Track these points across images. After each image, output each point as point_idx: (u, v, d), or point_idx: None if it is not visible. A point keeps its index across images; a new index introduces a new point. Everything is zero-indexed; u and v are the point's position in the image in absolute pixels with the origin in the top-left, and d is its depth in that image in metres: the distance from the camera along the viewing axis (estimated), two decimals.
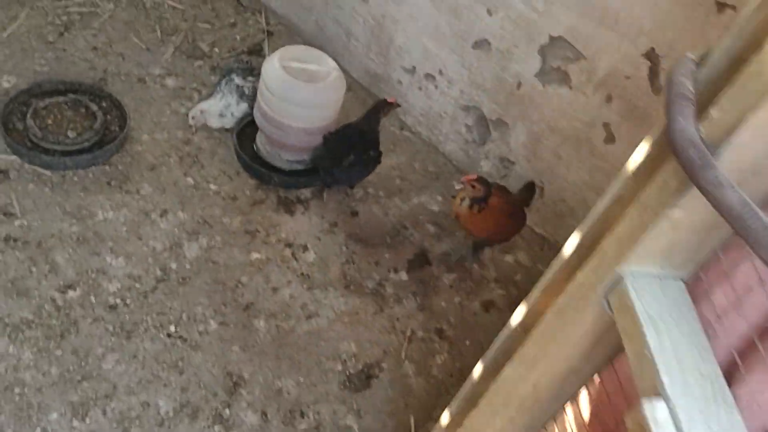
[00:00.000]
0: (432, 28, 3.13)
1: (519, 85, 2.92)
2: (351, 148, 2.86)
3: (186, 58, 3.49)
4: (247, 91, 3.20)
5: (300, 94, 2.77)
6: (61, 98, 2.95)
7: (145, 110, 3.15)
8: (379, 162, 2.99)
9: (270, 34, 3.79)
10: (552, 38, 2.71)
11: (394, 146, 3.39)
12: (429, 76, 3.27)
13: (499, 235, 2.78)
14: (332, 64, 2.88)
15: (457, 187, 2.65)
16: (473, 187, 2.56)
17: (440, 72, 3.20)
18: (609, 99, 2.66)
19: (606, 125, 2.71)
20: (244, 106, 3.18)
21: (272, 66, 2.79)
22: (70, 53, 3.29)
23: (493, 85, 3.02)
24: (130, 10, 3.63)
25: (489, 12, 2.87)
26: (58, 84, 3.03)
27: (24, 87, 3.02)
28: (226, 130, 3.18)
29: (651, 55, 2.46)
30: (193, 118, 3.11)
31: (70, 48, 3.31)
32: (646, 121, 2.57)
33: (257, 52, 3.67)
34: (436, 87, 3.26)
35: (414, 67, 3.31)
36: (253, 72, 3.33)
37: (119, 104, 3.04)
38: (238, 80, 3.20)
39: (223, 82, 3.20)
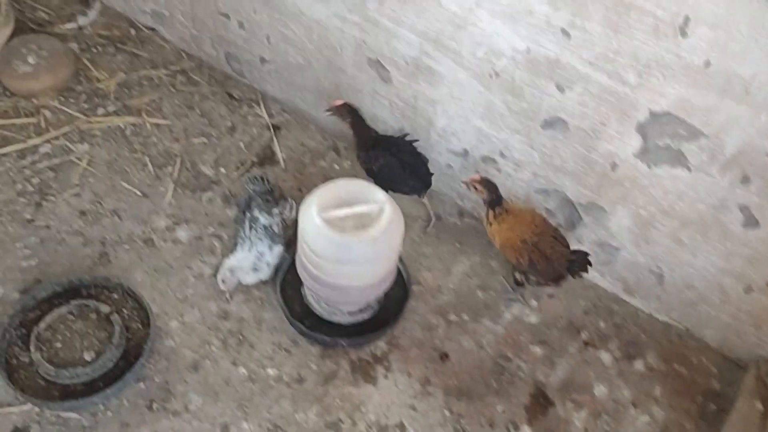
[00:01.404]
0: (483, 107, 2.53)
1: (614, 166, 2.34)
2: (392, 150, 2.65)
3: (191, 192, 2.90)
4: (277, 229, 2.65)
5: (355, 252, 2.21)
6: (63, 309, 2.40)
7: (164, 285, 2.59)
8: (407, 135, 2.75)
9: (276, 129, 3.19)
10: (654, 114, 2.12)
11: (460, 243, 2.83)
12: (488, 159, 2.68)
13: (515, 258, 2.46)
14: (380, 195, 2.30)
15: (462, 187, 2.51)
16: (475, 189, 2.42)
17: (501, 154, 2.62)
18: (745, 179, 2.08)
19: (744, 208, 2.14)
20: (278, 249, 2.63)
21: (312, 224, 2.21)
22: (55, 229, 2.71)
23: (578, 167, 2.43)
24: (108, 146, 3.02)
25: (559, 88, 2.27)
26: (54, 286, 2.47)
27: (14, 298, 2.47)
28: (264, 282, 2.63)
29: None
30: (223, 282, 2.57)
31: (53, 222, 2.73)
32: None
33: (269, 158, 3.08)
34: (498, 170, 2.68)
35: (466, 150, 2.73)
36: (273, 194, 2.76)
37: (133, 293, 2.47)
38: (263, 219, 2.63)
39: (247, 225, 2.64)
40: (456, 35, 2.39)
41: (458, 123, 2.65)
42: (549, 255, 2.42)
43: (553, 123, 2.38)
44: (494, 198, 2.43)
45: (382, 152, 2.63)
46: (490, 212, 2.45)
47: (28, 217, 2.73)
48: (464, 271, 2.74)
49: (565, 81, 2.24)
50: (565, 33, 2.13)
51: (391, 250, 2.30)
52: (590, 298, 2.71)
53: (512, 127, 2.50)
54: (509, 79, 2.37)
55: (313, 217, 2.22)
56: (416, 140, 2.71)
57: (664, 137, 2.15)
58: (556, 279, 2.51)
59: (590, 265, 2.48)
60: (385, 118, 2.89)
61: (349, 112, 2.64)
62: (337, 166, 3.06)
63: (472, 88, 2.50)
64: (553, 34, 2.16)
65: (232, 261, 2.59)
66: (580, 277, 2.54)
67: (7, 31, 3.13)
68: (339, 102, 2.64)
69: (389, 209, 2.26)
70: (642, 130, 2.18)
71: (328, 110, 2.68)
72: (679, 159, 2.17)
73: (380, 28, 2.58)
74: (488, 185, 2.42)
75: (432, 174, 2.72)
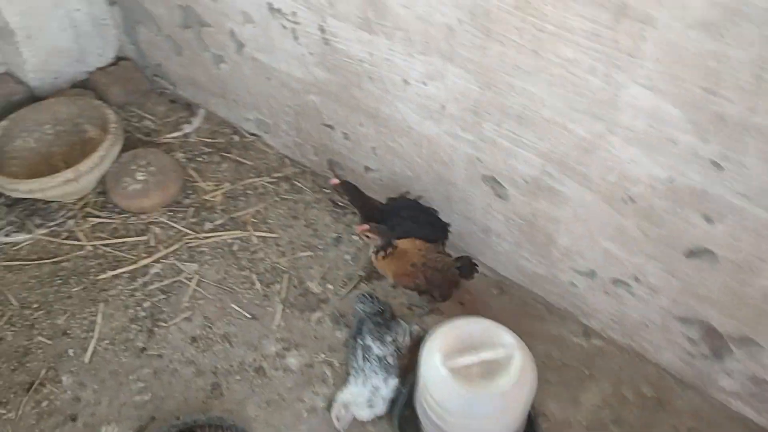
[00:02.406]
0: (613, 230, 2.32)
1: None
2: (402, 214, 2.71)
3: (299, 312, 2.81)
4: (392, 360, 2.52)
5: (484, 407, 2.03)
6: None
7: (278, 421, 2.49)
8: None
9: None
10: None
11: (588, 368, 2.61)
12: (618, 282, 2.46)
13: (413, 282, 2.59)
14: (509, 338, 2.13)
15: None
16: (368, 236, 2.53)
17: (635, 279, 2.40)
18: None
19: None
20: (393, 382, 2.49)
21: (436, 374, 2.06)
22: (168, 359, 2.67)
23: (728, 300, 2.18)
24: (217, 263, 2.99)
25: (708, 219, 2.05)
26: (170, 427, 2.40)
27: None
28: (379, 417, 2.48)
29: None
30: (338, 419, 2.44)
31: (166, 350, 2.69)
32: None
33: (376, 272, 2.95)
34: (631, 294, 2.46)
35: (592, 271, 2.52)
36: (384, 315, 2.65)
37: None
38: (376, 348, 2.51)
39: (360, 355, 2.52)
40: (583, 159, 2.22)
41: (584, 243, 2.46)
42: (440, 268, 2.56)
43: (698, 253, 2.16)
44: (387, 241, 2.52)
45: (394, 219, 2.66)
46: (381, 252, 2.54)
47: (141, 344, 2.71)
48: (594, 402, 2.51)
49: (715, 213, 2.02)
50: (716, 165, 1.92)
51: (523, 400, 2.11)
52: None
53: (648, 253, 2.28)
54: (646, 205, 2.17)
55: (437, 366, 2.07)
56: (420, 197, 2.78)
57: None
58: (454, 285, 2.66)
59: (477, 266, 2.67)
60: (499, 232, 2.73)
61: (347, 190, 2.69)
62: None
63: (601, 211, 2.31)
64: (701, 165, 1.95)
65: (345, 396, 2.47)
66: (472, 278, 2.69)
67: (117, 148, 3.17)
68: (335, 181, 2.69)
69: (520, 355, 2.08)
70: None
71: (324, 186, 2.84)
72: None
73: (497, 147, 2.44)
74: (380, 231, 2.52)
75: (448, 224, 2.76)
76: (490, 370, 2.10)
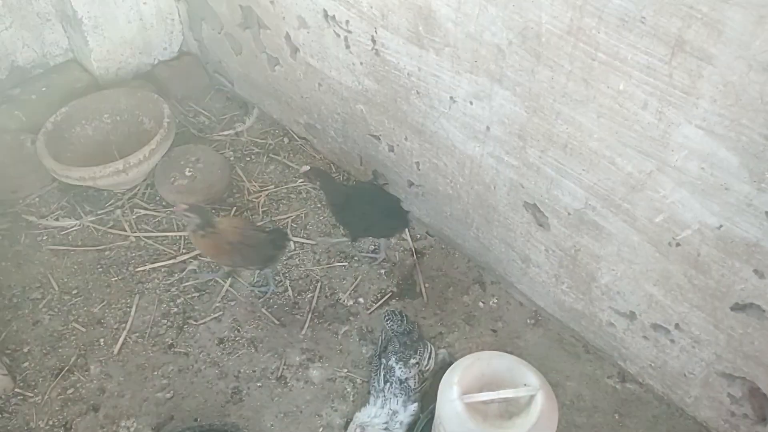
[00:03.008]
0: (657, 275, 2.19)
1: None
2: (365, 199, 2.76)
3: (327, 324, 2.78)
4: (413, 384, 2.45)
5: None
6: None
7: None
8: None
9: (420, 255, 3.00)
10: None
11: (620, 415, 2.47)
12: (659, 327, 2.32)
13: (230, 259, 2.68)
14: (533, 378, 2.02)
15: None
16: (187, 216, 2.54)
17: (677, 326, 2.25)
18: None
19: None
20: (412, 407, 2.42)
21: (452, 408, 1.98)
22: (193, 358, 2.68)
23: None
24: None
25: (759, 274, 1.89)
26: (187, 431, 2.40)
27: None
28: None
29: None
30: None
31: (192, 350, 2.71)
32: None
33: (410, 290, 2.89)
34: (672, 341, 2.31)
35: (633, 313, 2.38)
36: (412, 335, 2.59)
37: None
38: (399, 371, 2.45)
39: (381, 377, 2.47)
40: (630, 196, 2.09)
41: (626, 284, 2.32)
42: (254, 244, 2.62)
43: (746, 308, 2.00)
44: (206, 221, 2.54)
45: (357, 204, 2.70)
46: (200, 231, 2.55)
47: (170, 341, 2.73)
48: None
49: (767, 268, 1.86)
50: None
51: None
52: None
53: (693, 302, 2.14)
54: (693, 252, 2.02)
55: (453, 400, 1.99)
56: (385, 183, 2.85)
57: None
58: (268, 260, 2.71)
59: (288, 237, 2.79)
60: (539, 262, 2.62)
61: (318, 176, 2.73)
62: (481, 304, 2.82)
63: (645, 253, 2.17)
64: (755, 216, 1.80)
65: (362, 417, 2.41)
66: (287, 249, 2.87)
67: (168, 142, 3.21)
68: (305, 168, 2.73)
69: (542, 397, 1.98)
70: None
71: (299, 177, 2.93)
72: None
73: (540, 175, 2.33)
74: (198, 210, 2.55)
75: (407, 212, 2.81)
76: (510, 409, 2.01)
